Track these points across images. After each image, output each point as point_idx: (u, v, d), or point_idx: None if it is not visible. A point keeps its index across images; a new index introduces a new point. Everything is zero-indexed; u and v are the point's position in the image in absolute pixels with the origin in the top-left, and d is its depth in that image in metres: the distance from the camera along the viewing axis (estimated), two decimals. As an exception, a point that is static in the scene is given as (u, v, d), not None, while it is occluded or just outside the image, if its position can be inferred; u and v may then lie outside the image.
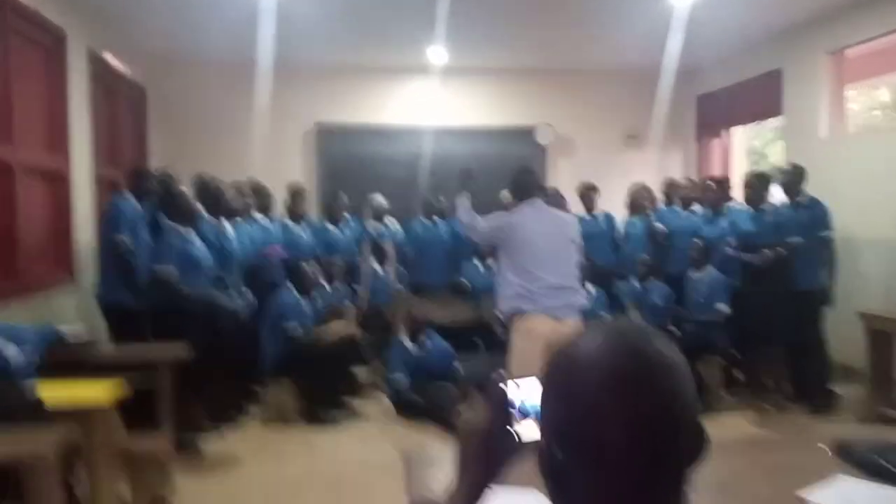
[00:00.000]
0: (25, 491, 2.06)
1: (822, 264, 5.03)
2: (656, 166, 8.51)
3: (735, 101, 7.84)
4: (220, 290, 4.82)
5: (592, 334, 0.78)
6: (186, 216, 4.61)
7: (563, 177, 8.10)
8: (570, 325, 3.53)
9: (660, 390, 0.73)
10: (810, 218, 5.05)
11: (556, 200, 5.47)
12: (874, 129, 6.18)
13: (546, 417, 0.80)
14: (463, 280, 6.87)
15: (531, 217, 3.67)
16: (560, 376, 0.76)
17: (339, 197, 6.91)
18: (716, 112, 8.31)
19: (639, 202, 6.57)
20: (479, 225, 3.82)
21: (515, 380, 0.92)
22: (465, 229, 4.01)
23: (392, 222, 7.17)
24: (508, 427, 0.91)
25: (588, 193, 6.75)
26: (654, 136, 8.68)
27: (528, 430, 0.90)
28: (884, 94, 6.71)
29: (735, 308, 5.30)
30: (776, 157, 14.37)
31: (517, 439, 0.91)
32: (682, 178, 7.09)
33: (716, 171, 8.36)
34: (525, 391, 0.91)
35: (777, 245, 5.01)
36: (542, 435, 0.79)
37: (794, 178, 5.18)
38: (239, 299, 4.90)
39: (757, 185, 5.31)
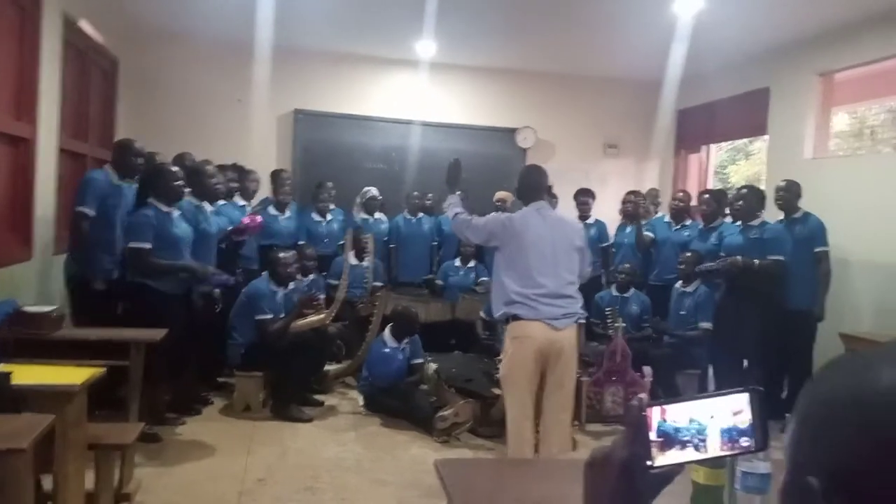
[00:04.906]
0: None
1: (817, 283, 5.00)
2: (633, 177, 8.52)
3: (717, 117, 7.85)
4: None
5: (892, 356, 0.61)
6: (172, 195, 4.41)
7: (540, 181, 8.00)
8: (567, 334, 3.43)
9: None
10: (806, 233, 5.04)
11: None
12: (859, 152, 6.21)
13: (812, 454, 0.63)
14: (437, 280, 6.75)
15: (536, 220, 3.50)
16: (851, 407, 0.60)
17: (324, 186, 6.70)
18: (696, 127, 8.32)
19: (633, 211, 6.41)
20: (476, 221, 3.64)
21: (661, 405, 0.81)
22: (456, 226, 3.77)
23: (382, 217, 7.01)
24: (649, 459, 0.80)
25: (585, 199, 6.60)
26: (633, 147, 8.69)
27: (668, 458, 0.81)
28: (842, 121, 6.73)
29: (717, 324, 5.25)
30: (737, 176, 14.67)
31: (652, 468, 0.81)
32: (675, 190, 6.99)
33: (691, 186, 8.37)
34: (671, 415, 0.81)
35: (760, 261, 4.97)
36: (796, 470, 0.64)
37: (790, 195, 5.15)
38: (216, 277, 4.66)
39: (751, 200, 5.21)
